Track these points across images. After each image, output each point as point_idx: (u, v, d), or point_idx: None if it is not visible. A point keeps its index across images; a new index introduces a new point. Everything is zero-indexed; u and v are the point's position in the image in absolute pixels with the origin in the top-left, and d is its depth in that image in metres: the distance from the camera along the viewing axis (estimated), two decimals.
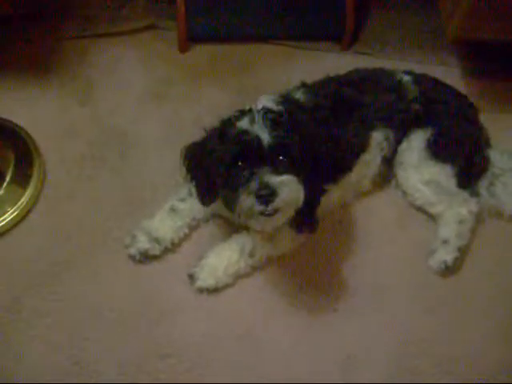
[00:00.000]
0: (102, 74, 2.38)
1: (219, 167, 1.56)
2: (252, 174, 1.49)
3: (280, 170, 1.50)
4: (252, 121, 1.55)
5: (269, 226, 1.63)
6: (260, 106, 1.64)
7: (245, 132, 1.53)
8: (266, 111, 1.59)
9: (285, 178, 1.48)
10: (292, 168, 1.51)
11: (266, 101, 1.75)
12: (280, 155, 1.52)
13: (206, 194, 1.69)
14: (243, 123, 1.56)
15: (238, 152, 1.53)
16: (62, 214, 1.95)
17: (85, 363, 1.66)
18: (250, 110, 1.61)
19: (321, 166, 1.57)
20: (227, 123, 1.62)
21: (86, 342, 1.69)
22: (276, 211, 1.49)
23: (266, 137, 1.51)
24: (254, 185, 1.47)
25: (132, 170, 2.07)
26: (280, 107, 1.69)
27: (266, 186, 1.46)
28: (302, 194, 1.52)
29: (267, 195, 1.45)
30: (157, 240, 1.83)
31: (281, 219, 1.58)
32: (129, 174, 2.06)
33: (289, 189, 1.48)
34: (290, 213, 1.58)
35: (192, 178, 1.71)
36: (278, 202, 1.47)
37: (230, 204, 1.58)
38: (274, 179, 1.47)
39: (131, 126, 2.20)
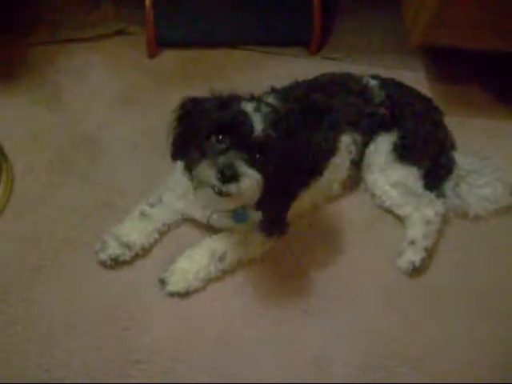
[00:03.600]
0: (70, 79, 2.37)
1: (204, 128, 1.55)
2: (225, 151, 1.48)
3: (253, 163, 1.49)
4: (257, 109, 1.53)
5: (212, 204, 1.63)
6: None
7: (244, 114, 1.52)
8: (273, 110, 1.57)
9: (252, 171, 1.47)
10: (262, 170, 1.50)
11: None
12: (260, 153, 1.51)
13: (178, 148, 1.67)
14: (248, 106, 1.54)
15: (228, 126, 1.51)
16: (30, 220, 1.93)
17: (54, 371, 1.63)
18: (261, 99, 1.61)
19: (293, 171, 1.57)
20: (234, 98, 1.59)
21: (55, 350, 1.67)
22: (227, 195, 1.49)
23: (259, 130, 1.49)
24: (223, 159, 1.46)
25: (101, 176, 2.06)
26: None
27: (233, 167, 1.45)
28: (257, 195, 1.52)
29: (229, 176, 1.44)
30: (127, 245, 1.81)
31: (226, 205, 1.59)
32: (98, 179, 2.05)
33: (250, 183, 1.47)
34: (237, 205, 1.60)
35: (175, 127, 1.67)
36: (234, 187, 1.46)
37: (191, 167, 1.57)
38: (243, 167, 1.46)
39: (100, 131, 2.19)
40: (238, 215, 1.73)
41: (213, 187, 1.49)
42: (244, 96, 1.61)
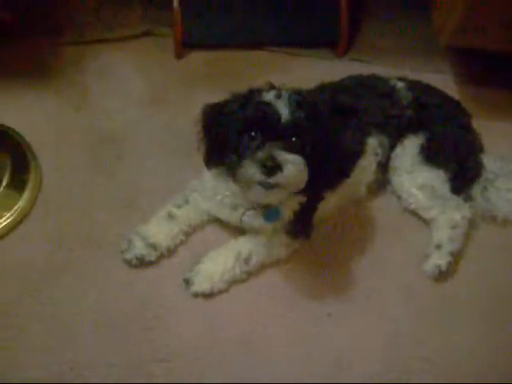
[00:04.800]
0: (98, 79, 2.39)
1: (233, 130, 1.55)
2: (262, 145, 1.49)
3: (290, 149, 1.49)
4: (278, 96, 1.53)
5: (264, 198, 1.60)
6: None
7: (267, 104, 1.52)
8: (293, 92, 1.57)
9: (293, 156, 1.47)
10: (302, 151, 1.50)
11: None
12: (294, 136, 1.51)
13: (212, 156, 1.68)
14: (269, 95, 1.54)
15: (255, 120, 1.52)
16: (57, 218, 1.95)
17: (79, 368, 1.65)
18: (279, 88, 1.59)
19: (321, 172, 1.57)
20: (254, 93, 1.59)
21: (80, 347, 1.69)
22: (276, 185, 1.48)
23: (286, 114, 1.50)
24: (261, 154, 1.46)
25: (127, 176, 2.07)
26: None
27: (273, 158, 1.44)
28: (305, 177, 1.51)
29: (271, 167, 1.44)
30: (153, 246, 1.83)
31: (278, 196, 1.57)
32: (124, 179, 2.06)
33: (294, 168, 1.47)
34: (286, 194, 1.57)
35: (203, 137, 1.68)
36: (280, 177, 1.45)
37: (233, 170, 1.55)
38: (283, 155, 1.46)
39: (127, 131, 2.21)
40: (270, 214, 1.72)
41: (260, 183, 1.48)
42: (263, 87, 1.61)
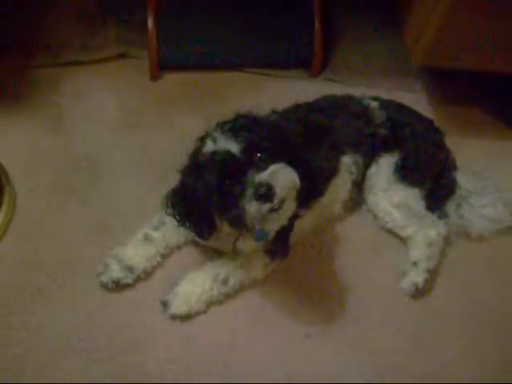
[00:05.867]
0: (73, 102, 2.38)
1: (210, 198, 1.56)
2: (243, 184, 1.49)
3: (263, 165, 1.50)
4: (214, 140, 1.55)
5: (283, 219, 1.60)
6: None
7: (214, 153, 1.53)
8: (222, 124, 1.59)
9: (272, 168, 1.48)
10: (272, 158, 1.51)
11: None
12: (256, 153, 1.52)
13: (204, 229, 1.68)
14: (208, 146, 1.56)
15: (219, 174, 1.52)
16: (32, 242, 1.93)
17: None
18: (208, 133, 1.60)
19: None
20: (195, 155, 1.62)
21: (57, 372, 1.66)
22: (283, 202, 1.48)
23: (234, 146, 1.51)
24: (250, 191, 1.46)
25: (103, 199, 2.06)
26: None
27: (261, 184, 1.45)
28: (295, 174, 1.51)
29: (267, 191, 1.44)
30: (130, 268, 1.81)
31: (289, 208, 1.57)
32: (99, 202, 2.05)
33: (281, 175, 1.48)
34: (294, 199, 1.57)
35: (183, 223, 1.70)
36: (279, 192, 1.45)
37: (238, 222, 1.55)
38: (264, 174, 1.47)
39: (102, 154, 2.20)
40: (259, 233, 1.70)
41: (270, 211, 1.48)
42: (197, 143, 1.64)
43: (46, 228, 1.97)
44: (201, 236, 1.71)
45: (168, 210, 1.71)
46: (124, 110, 2.37)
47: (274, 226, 1.62)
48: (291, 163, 1.53)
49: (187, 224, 1.70)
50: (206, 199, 1.57)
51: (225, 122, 1.60)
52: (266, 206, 1.46)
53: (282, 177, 1.48)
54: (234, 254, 1.81)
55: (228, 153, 1.51)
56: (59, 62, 2.51)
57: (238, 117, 1.63)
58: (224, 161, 1.52)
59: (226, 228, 1.67)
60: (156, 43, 2.42)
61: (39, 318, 1.76)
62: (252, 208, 1.47)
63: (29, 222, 1.98)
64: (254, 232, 1.64)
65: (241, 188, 1.49)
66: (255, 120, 1.63)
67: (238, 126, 1.57)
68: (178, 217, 1.70)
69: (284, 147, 1.58)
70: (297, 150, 1.63)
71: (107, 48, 2.58)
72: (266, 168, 1.49)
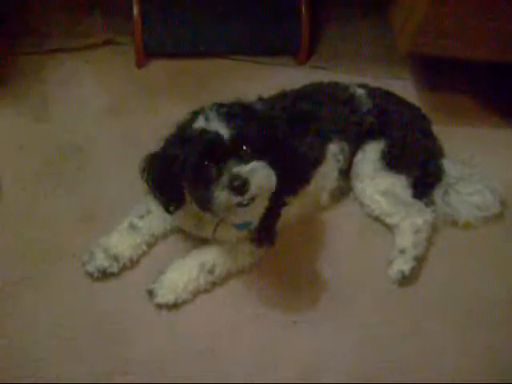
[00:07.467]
0: (58, 89, 2.36)
1: (185, 171, 1.55)
2: (220, 170, 1.48)
3: (246, 159, 1.49)
4: (207, 118, 1.53)
5: (248, 216, 1.61)
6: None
7: (203, 131, 1.52)
8: (219, 106, 1.58)
9: (253, 164, 1.48)
10: (256, 155, 1.51)
11: None
12: (242, 145, 1.51)
13: (171, 202, 1.67)
14: (199, 122, 1.54)
15: (202, 151, 1.51)
16: (17, 231, 1.91)
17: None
18: (203, 109, 1.59)
19: (281, 177, 1.56)
20: (184, 126, 1.60)
21: (41, 362, 1.65)
22: (253, 199, 1.48)
23: (224, 131, 1.49)
24: (225, 179, 1.46)
25: (89, 187, 2.05)
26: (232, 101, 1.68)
27: (237, 176, 1.44)
28: (273, 177, 1.51)
29: (241, 185, 1.44)
30: (115, 258, 1.80)
31: (259, 207, 1.58)
32: (86, 190, 2.04)
33: (260, 174, 1.47)
34: (266, 199, 1.57)
35: (154, 189, 1.69)
36: (252, 190, 1.45)
37: (204, 204, 1.56)
38: (243, 169, 1.46)
39: (88, 142, 2.18)
40: (241, 223, 1.70)
41: (238, 204, 1.48)
42: (188, 116, 1.62)
43: (31, 217, 1.96)
44: (166, 209, 1.69)
45: (142, 174, 1.69)
46: (110, 96, 2.35)
47: (236, 219, 1.63)
48: (275, 162, 1.53)
49: (156, 192, 1.68)
50: (181, 172, 1.56)
51: (222, 105, 1.59)
52: (236, 199, 1.46)
53: (260, 176, 1.48)
54: (217, 242, 1.81)
55: (217, 135, 1.50)
56: (44, 48, 2.48)
57: (237, 104, 1.62)
58: (211, 140, 1.50)
59: (194, 207, 1.66)
60: (141, 30, 2.40)
61: (24, 308, 1.75)
62: (222, 196, 1.47)
63: (13, 211, 1.96)
64: (222, 218, 1.64)
65: (217, 173, 1.49)
66: (252, 112, 1.62)
67: (234, 112, 1.56)
68: (150, 182, 1.68)
69: (273, 146, 1.57)
70: (285, 148, 1.63)
71: (93, 35, 2.55)
72: (247, 162, 1.48)
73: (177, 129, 1.64)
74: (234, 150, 1.50)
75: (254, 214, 1.63)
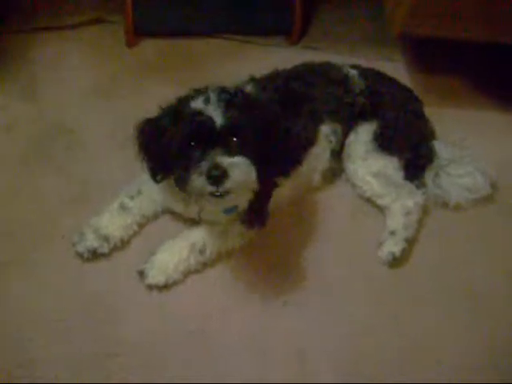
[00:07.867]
0: (46, 69, 2.34)
1: (171, 146, 1.54)
2: (204, 155, 1.48)
3: (232, 151, 1.48)
4: (207, 101, 1.52)
5: (220, 206, 1.62)
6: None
7: (198, 112, 1.51)
8: (221, 91, 1.56)
9: (236, 159, 1.47)
10: (245, 150, 1.50)
11: None
12: (233, 136, 1.50)
13: (157, 171, 1.67)
14: (198, 103, 1.53)
15: (191, 132, 1.51)
16: (5, 212, 1.90)
17: (30, 365, 1.61)
18: (206, 90, 1.58)
19: (272, 158, 1.56)
20: (183, 102, 1.59)
21: (30, 343, 1.64)
22: (227, 193, 1.48)
23: (219, 118, 1.49)
24: (205, 165, 1.45)
25: (78, 167, 2.03)
26: (236, 88, 1.66)
27: (218, 166, 1.44)
28: (253, 177, 1.50)
29: (218, 176, 1.44)
30: (106, 238, 1.79)
31: (232, 201, 1.58)
32: (75, 170, 2.02)
33: (240, 170, 1.47)
34: (242, 195, 1.58)
35: (144, 155, 1.67)
36: (228, 184, 1.45)
37: (181, 183, 1.56)
38: (226, 160, 1.46)
39: (77, 122, 2.16)
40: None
41: (211, 194, 1.47)
42: (190, 93, 1.60)
43: (20, 197, 1.94)
44: (153, 177, 1.68)
45: (135, 137, 1.67)
46: (99, 76, 2.33)
47: (209, 206, 1.63)
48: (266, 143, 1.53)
49: (145, 157, 1.67)
50: (167, 146, 1.56)
51: (225, 90, 1.58)
52: (210, 188, 1.46)
53: (240, 172, 1.47)
54: (208, 223, 1.80)
55: (210, 120, 1.49)
56: (31, 27, 2.45)
57: (240, 93, 1.61)
58: (202, 124, 1.50)
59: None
60: (132, 8, 2.37)
61: (14, 290, 1.74)
62: (197, 181, 1.46)
63: (3, 192, 1.95)
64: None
65: (200, 158, 1.48)
66: (253, 105, 1.60)
67: (234, 102, 1.54)
68: (140, 146, 1.66)
69: (263, 145, 1.55)
70: (277, 130, 1.61)
71: (82, 13, 2.53)
72: (232, 155, 1.48)
73: (176, 101, 1.62)
74: (224, 139, 1.50)
75: (226, 205, 1.63)
